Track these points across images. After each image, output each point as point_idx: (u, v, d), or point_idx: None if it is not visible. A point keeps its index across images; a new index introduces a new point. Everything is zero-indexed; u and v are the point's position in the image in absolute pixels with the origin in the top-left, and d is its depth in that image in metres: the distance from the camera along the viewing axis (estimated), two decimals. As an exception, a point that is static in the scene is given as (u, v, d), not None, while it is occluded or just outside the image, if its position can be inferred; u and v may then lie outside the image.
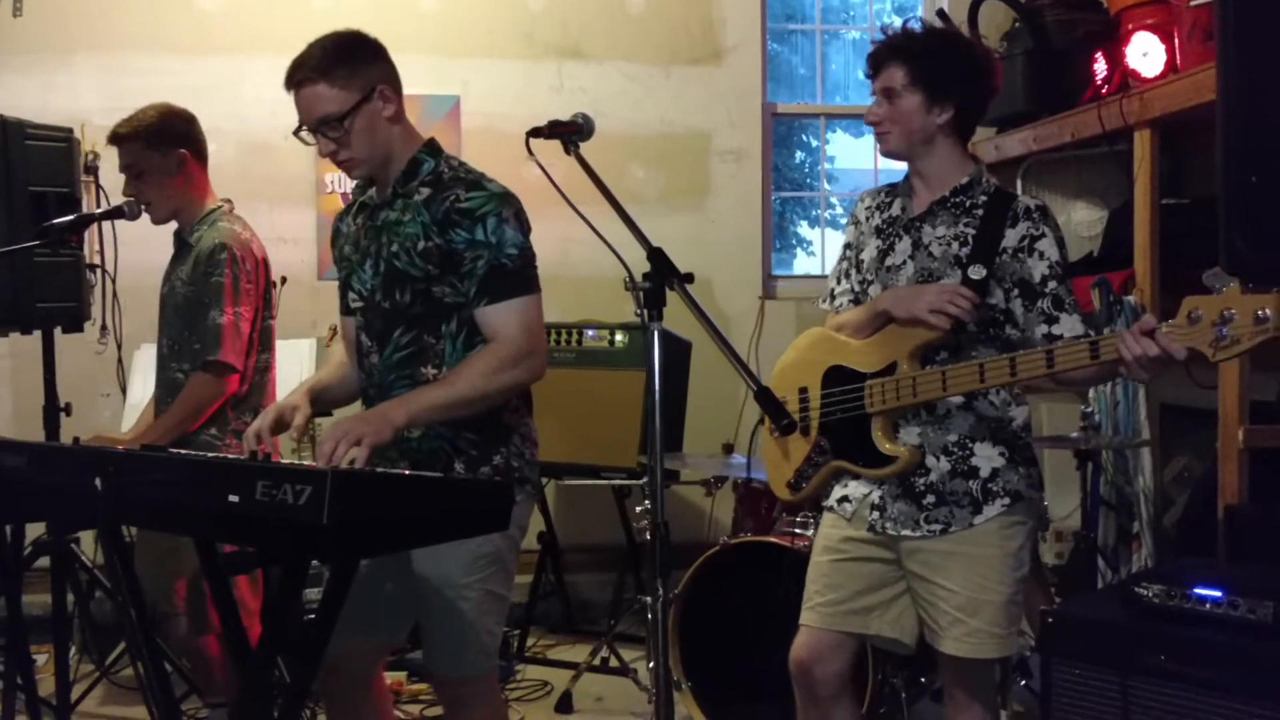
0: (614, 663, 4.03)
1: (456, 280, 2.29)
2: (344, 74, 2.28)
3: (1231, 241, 2.11)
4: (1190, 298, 2.00)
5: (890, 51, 2.38)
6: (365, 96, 2.29)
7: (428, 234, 2.29)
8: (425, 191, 2.33)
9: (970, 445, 2.37)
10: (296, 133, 2.35)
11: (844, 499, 2.47)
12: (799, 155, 8.47)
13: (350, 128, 2.29)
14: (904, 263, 2.42)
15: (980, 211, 2.37)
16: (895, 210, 2.49)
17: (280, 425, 2.33)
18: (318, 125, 2.30)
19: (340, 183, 4.87)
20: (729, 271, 5.08)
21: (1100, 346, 2.08)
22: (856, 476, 2.45)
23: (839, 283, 2.58)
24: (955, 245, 2.36)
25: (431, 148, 2.40)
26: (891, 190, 2.53)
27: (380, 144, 2.33)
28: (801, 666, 2.47)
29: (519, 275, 2.29)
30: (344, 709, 2.48)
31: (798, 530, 3.41)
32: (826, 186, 6.14)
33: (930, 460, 2.38)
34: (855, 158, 7.38)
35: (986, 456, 2.36)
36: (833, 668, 2.46)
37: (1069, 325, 2.30)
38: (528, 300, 2.30)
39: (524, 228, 2.32)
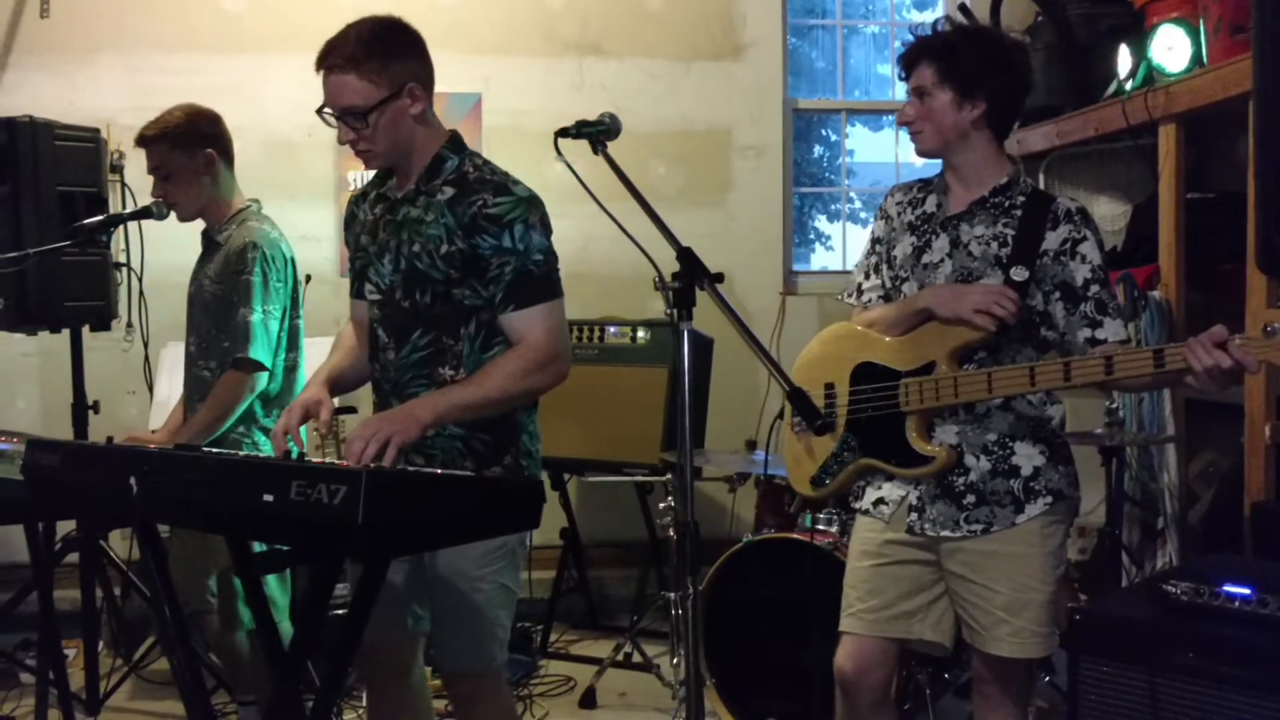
0: (637, 658, 4.04)
1: (479, 284, 2.28)
2: (375, 67, 2.23)
3: (1268, 241, 2.09)
4: (1271, 311, 1.97)
5: (920, 51, 2.37)
6: (394, 93, 2.25)
7: (452, 238, 2.28)
8: (449, 191, 2.31)
9: (1010, 444, 2.35)
10: (320, 111, 2.30)
11: (880, 501, 2.45)
12: (818, 150, 8.44)
13: (374, 122, 2.25)
14: (941, 260, 2.40)
15: (1019, 212, 2.35)
16: (930, 207, 2.46)
17: (306, 420, 2.33)
18: (341, 114, 2.26)
19: (362, 180, 4.88)
20: (750, 267, 5.07)
21: (1165, 356, 2.04)
22: (890, 477, 2.43)
23: (867, 278, 2.55)
24: (995, 245, 2.34)
25: (455, 144, 2.38)
26: (925, 186, 2.50)
27: (403, 140, 2.31)
28: (846, 676, 2.44)
29: (545, 281, 2.29)
30: (383, 697, 2.50)
31: (820, 527, 3.41)
32: (846, 181, 6.12)
33: (969, 460, 2.36)
34: (875, 151, 7.36)
35: (1027, 455, 2.35)
36: (878, 676, 2.44)
37: (1113, 330, 2.29)
38: (553, 305, 2.30)
39: (548, 231, 2.32)
